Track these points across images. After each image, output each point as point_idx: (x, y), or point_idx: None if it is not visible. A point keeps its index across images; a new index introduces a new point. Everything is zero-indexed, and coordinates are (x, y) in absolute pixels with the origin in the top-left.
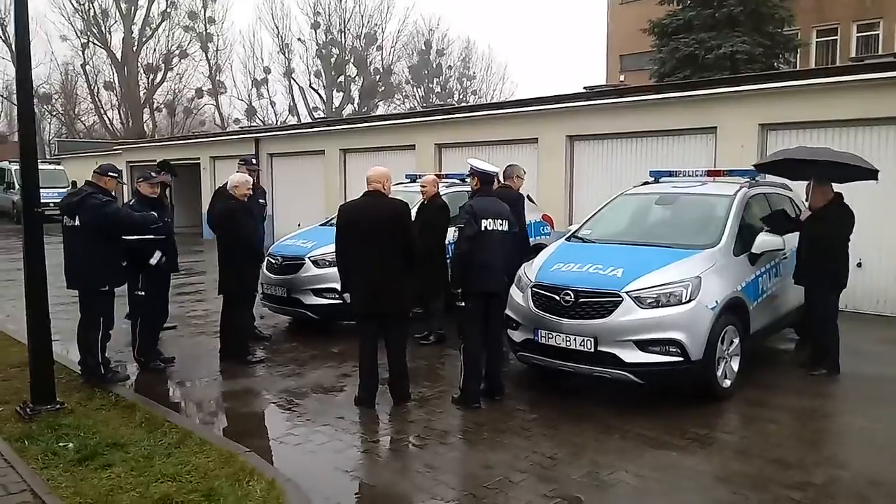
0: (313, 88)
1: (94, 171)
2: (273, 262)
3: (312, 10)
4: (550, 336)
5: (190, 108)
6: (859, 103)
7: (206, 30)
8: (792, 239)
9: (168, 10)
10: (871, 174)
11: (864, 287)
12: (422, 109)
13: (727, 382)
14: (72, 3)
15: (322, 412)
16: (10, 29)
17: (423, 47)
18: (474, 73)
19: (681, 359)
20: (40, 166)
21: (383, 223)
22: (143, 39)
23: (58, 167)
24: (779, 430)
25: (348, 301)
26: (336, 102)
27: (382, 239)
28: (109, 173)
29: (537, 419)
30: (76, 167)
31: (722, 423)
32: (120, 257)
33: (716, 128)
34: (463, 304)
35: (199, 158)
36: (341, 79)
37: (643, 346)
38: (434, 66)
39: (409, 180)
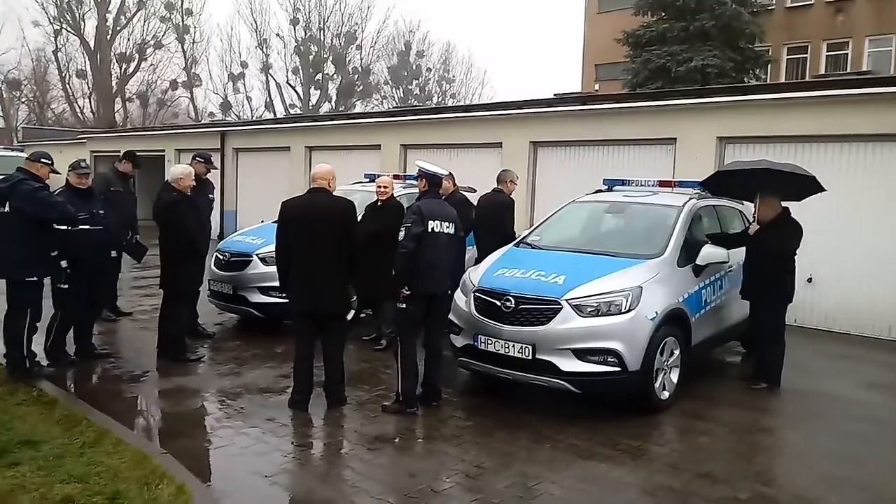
0: (290, 85)
1: (27, 158)
2: (220, 257)
3: (292, 5)
4: (490, 342)
5: (163, 100)
6: (814, 120)
7: (182, 21)
8: (739, 252)
9: None
10: (816, 184)
11: (814, 303)
12: (387, 110)
13: (665, 394)
14: None
15: (252, 414)
16: None
17: (403, 48)
18: (454, 76)
19: (618, 369)
20: (2, 153)
21: (326, 221)
22: (118, 28)
23: (20, 154)
24: (712, 443)
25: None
26: (313, 100)
27: (324, 237)
28: (42, 160)
29: (471, 426)
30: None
31: (655, 435)
32: (49, 248)
33: (675, 139)
34: (403, 305)
35: (164, 150)
36: (319, 76)
37: (581, 354)
38: (413, 67)
39: (367, 179)
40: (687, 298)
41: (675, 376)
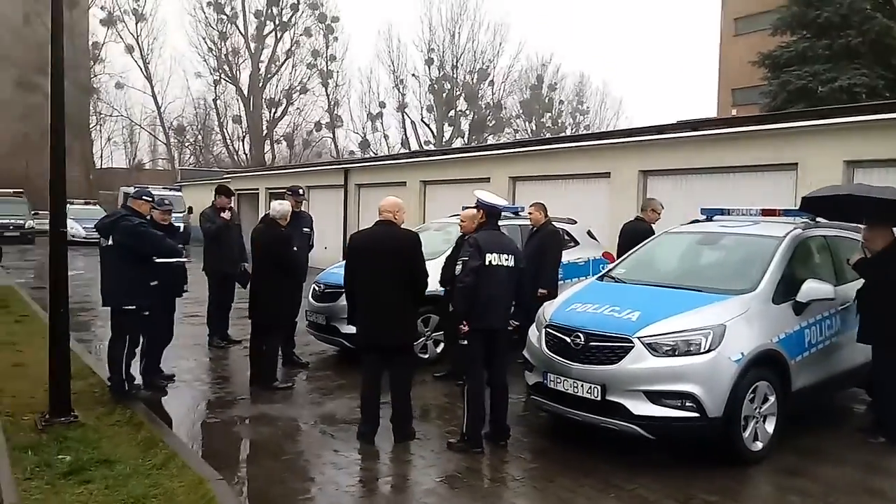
0: (425, 122)
1: (131, 196)
2: (317, 289)
3: (427, 46)
4: (559, 380)
5: (308, 141)
6: None
7: (327, 66)
8: (852, 287)
9: (293, 48)
10: None
11: None
12: (497, 143)
13: (758, 445)
14: (206, 43)
15: (321, 443)
16: (152, 66)
17: (535, 82)
18: (588, 107)
19: (696, 414)
20: (163, 192)
21: (391, 253)
22: (269, 76)
23: (177, 193)
24: (801, 503)
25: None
26: (447, 136)
27: (389, 269)
28: (143, 197)
29: (535, 469)
30: (194, 193)
31: (738, 491)
32: (148, 278)
33: (797, 164)
34: (465, 342)
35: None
36: (452, 113)
37: (654, 397)
38: (546, 100)
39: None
40: (784, 339)
41: (770, 425)
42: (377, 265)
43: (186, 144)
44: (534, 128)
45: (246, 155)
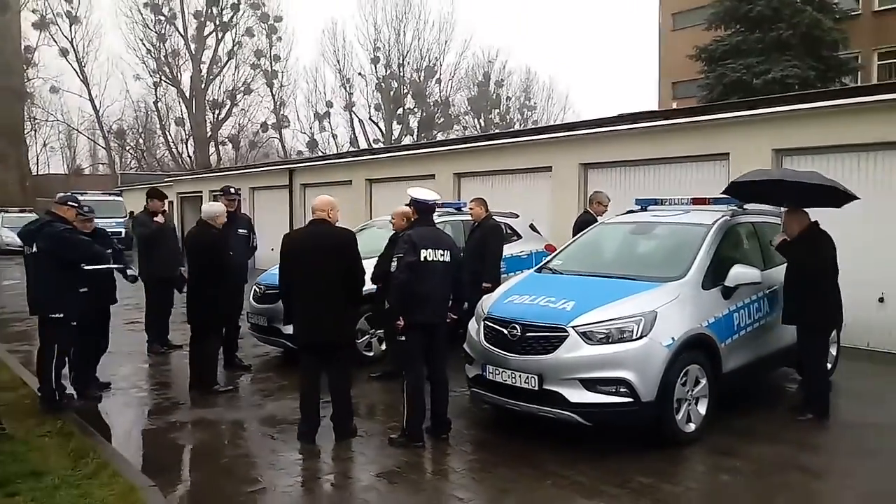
0: (373, 121)
1: (54, 201)
2: (257, 290)
3: (373, 45)
4: (498, 372)
5: (254, 142)
6: (880, 126)
7: (271, 66)
8: (780, 272)
9: (235, 48)
10: (844, 194)
11: (887, 324)
12: (440, 140)
13: (691, 426)
14: (144, 45)
15: (261, 445)
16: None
17: (482, 78)
18: (535, 103)
19: (630, 399)
20: (103, 197)
21: (327, 252)
22: (211, 77)
23: (117, 198)
24: (733, 482)
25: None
26: (395, 134)
27: (324, 268)
28: (69, 203)
29: (475, 460)
30: (136, 198)
31: (671, 473)
32: (76, 285)
33: (728, 154)
34: (403, 337)
35: (240, 189)
36: (400, 111)
37: (590, 385)
38: (493, 96)
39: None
40: (713, 323)
41: (702, 407)
42: (313, 264)
43: (127, 148)
44: (482, 124)
45: (190, 158)
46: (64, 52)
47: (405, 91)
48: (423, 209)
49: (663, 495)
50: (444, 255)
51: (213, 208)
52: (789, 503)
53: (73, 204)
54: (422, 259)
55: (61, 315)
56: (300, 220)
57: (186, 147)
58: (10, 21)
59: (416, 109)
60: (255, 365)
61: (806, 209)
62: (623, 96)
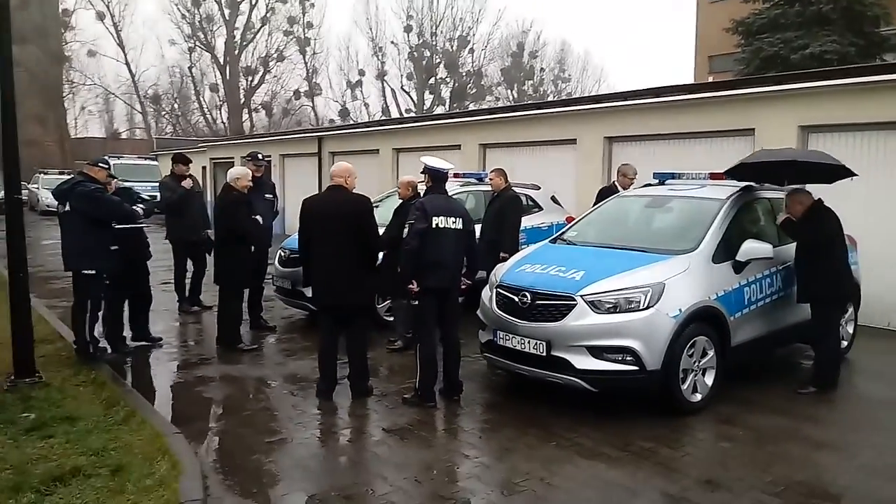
0: (405, 90)
1: (87, 163)
2: (282, 254)
3: (405, 13)
4: (508, 338)
5: (287, 109)
6: None
7: (304, 34)
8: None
9: (268, 14)
10: (845, 170)
11: None
12: (467, 110)
13: (697, 396)
14: (179, 10)
15: (281, 401)
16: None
17: (516, 49)
18: (569, 75)
19: (636, 368)
20: (137, 161)
21: (343, 217)
22: (244, 43)
23: (152, 163)
24: (731, 449)
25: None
26: (427, 104)
27: (341, 232)
28: (99, 164)
29: (484, 421)
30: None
31: (673, 439)
32: (107, 243)
33: (754, 129)
34: (416, 302)
35: (270, 156)
36: (432, 81)
37: (596, 352)
38: (527, 67)
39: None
40: (723, 296)
41: (709, 378)
42: (330, 228)
43: (163, 114)
44: (515, 96)
45: (224, 124)
46: (100, 16)
47: (437, 61)
48: (436, 177)
49: (661, 458)
50: (455, 222)
51: (236, 171)
52: (784, 472)
53: (104, 165)
54: (433, 226)
55: (94, 271)
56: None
57: (220, 113)
58: None
59: (448, 79)
60: (280, 326)
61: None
62: (659, 70)
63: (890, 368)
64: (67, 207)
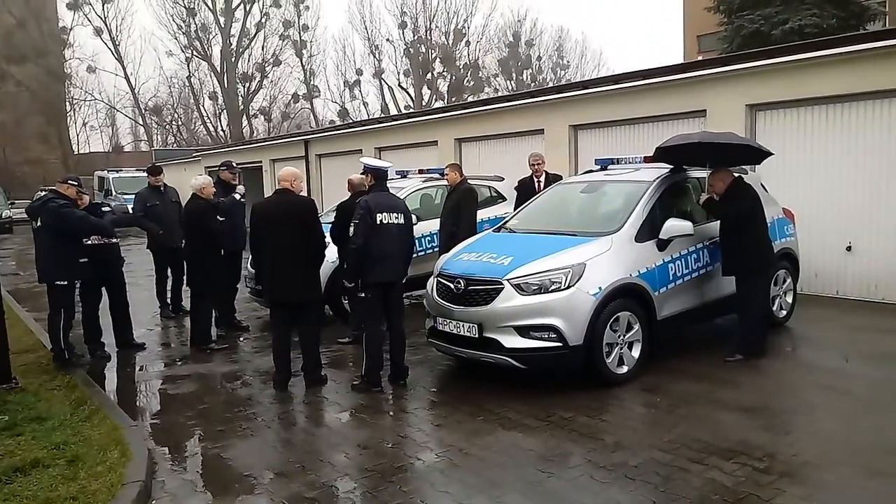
0: (402, 87)
1: (58, 180)
2: None
3: (399, 10)
4: (446, 323)
5: (287, 113)
6: (849, 77)
7: (300, 37)
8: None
9: (263, 20)
10: (759, 151)
11: (856, 272)
12: (441, 106)
13: (623, 369)
14: (175, 21)
15: (240, 394)
16: (123, 47)
17: (512, 39)
18: (568, 61)
19: (559, 344)
20: (136, 174)
21: (291, 218)
22: (241, 50)
23: None
24: (644, 414)
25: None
26: (425, 99)
27: (290, 233)
28: (69, 181)
29: (421, 402)
30: (169, 173)
31: (593, 408)
32: (76, 256)
33: (705, 111)
34: (363, 294)
35: (261, 161)
36: (429, 76)
37: (523, 331)
38: (524, 57)
39: (399, 176)
40: (646, 273)
41: (636, 351)
42: (280, 229)
43: (164, 125)
44: (514, 86)
45: (224, 132)
46: (98, 32)
47: (433, 55)
48: (377, 175)
49: (577, 426)
50: (398, 217)
51: (199, 180)
52: (685, 431)
53: (74, 182)
54: (378, 222)
55: (65, 282)
56: (316, 189)
57: (220, 121)
58: (44, 3)
59: (445, 73)
60: (253, 326)
61: (731, 168)
62: (655, 51)
63: (825, 334)
64: (39, 223)
